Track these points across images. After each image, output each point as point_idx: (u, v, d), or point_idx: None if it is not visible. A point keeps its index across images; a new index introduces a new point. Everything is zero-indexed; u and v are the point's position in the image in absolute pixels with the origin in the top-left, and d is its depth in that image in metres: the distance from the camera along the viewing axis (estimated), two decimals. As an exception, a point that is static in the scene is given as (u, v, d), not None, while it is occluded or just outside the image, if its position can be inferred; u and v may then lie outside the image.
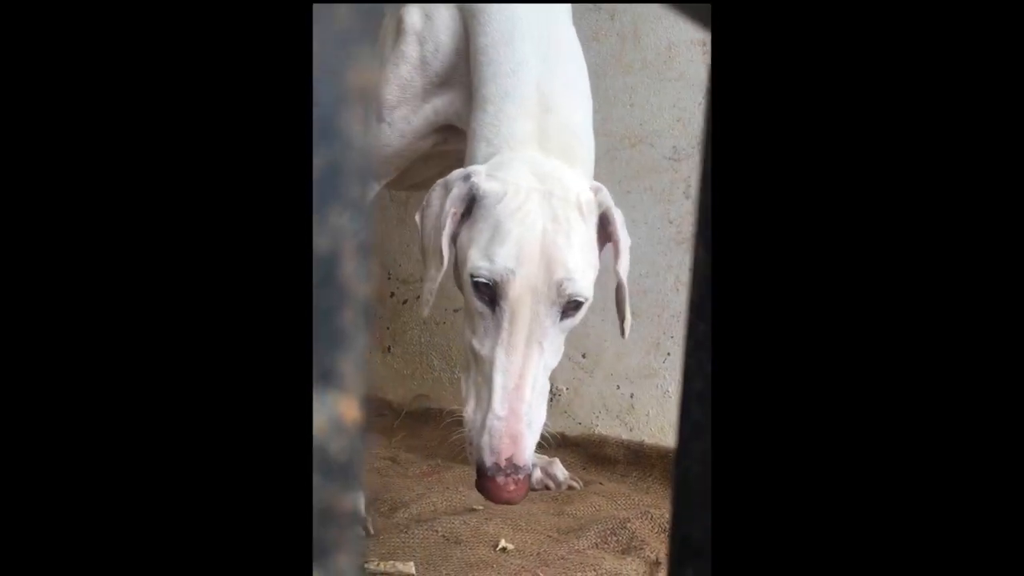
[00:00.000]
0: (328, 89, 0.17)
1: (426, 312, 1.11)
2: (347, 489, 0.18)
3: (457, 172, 1.07)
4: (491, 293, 1.01)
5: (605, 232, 1.10)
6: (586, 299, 1.05)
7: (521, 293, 1.00)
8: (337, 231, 0.17)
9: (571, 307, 1.04)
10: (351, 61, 0.17)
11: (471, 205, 1.06)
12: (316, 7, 0.17)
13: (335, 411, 0.18)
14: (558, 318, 1.03)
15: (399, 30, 1.26)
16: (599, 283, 1.12)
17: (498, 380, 1.00)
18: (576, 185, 1.07)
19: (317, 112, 0.16)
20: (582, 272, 1.02)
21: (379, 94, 1.26)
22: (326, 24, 0.16)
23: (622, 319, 1.15)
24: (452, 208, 1.05)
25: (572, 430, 1.82)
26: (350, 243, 0.17)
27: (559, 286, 1.01)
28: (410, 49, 1.24)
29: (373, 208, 1.37)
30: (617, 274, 1.11)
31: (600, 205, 1.08)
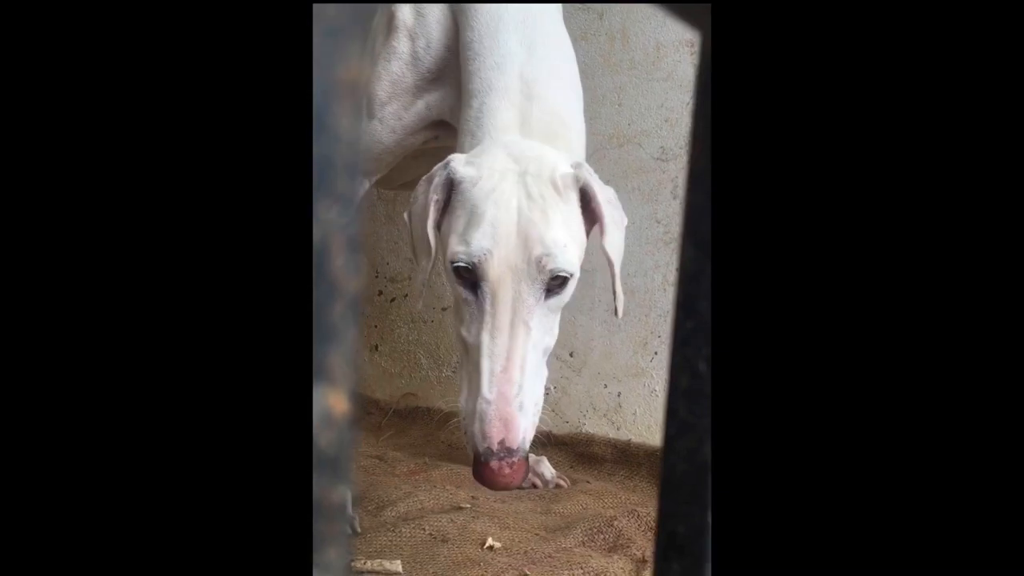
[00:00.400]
0: (317, 83, 0.17)
1: (419, 305, 1.11)
2: (336, 482, 0.18)
3: (438, 164, 1.07)
4: (472, 277, 1.00)
5: (590, 209, 1.07)
6: (570, 274, 1.02)
7: (500, 273, 0.99)
8: (326, 225, 0.17)
9: (556, 283, 1.02)
10: (341, 56, 0.17)
11: (451, 193, 1.05)
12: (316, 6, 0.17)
13: (325, 404, 0.18)
14: (542, 296, 1.01)
15: (390, 26, 1.25)
16: (584, 280, 1.12)
17: (485, 364, 0.98)
18: (553, 162, 1.06)
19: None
20: (561, 247, 1.00)
21: (370, 90, 1.25)
22: (316, 18, 0.16)
23: (615, 296, 1.12)
24: (434, 196, 1.05)
25: (560, 429, 1.83)
26: (339, 237, 0.17)
27: (539, 262, 0.99)
28: (401, 45, 1.24)
29: (362, 203, 1.36)
30: (605, 252, 1.08)
31: (578, 180, 1.05)
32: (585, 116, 1.23)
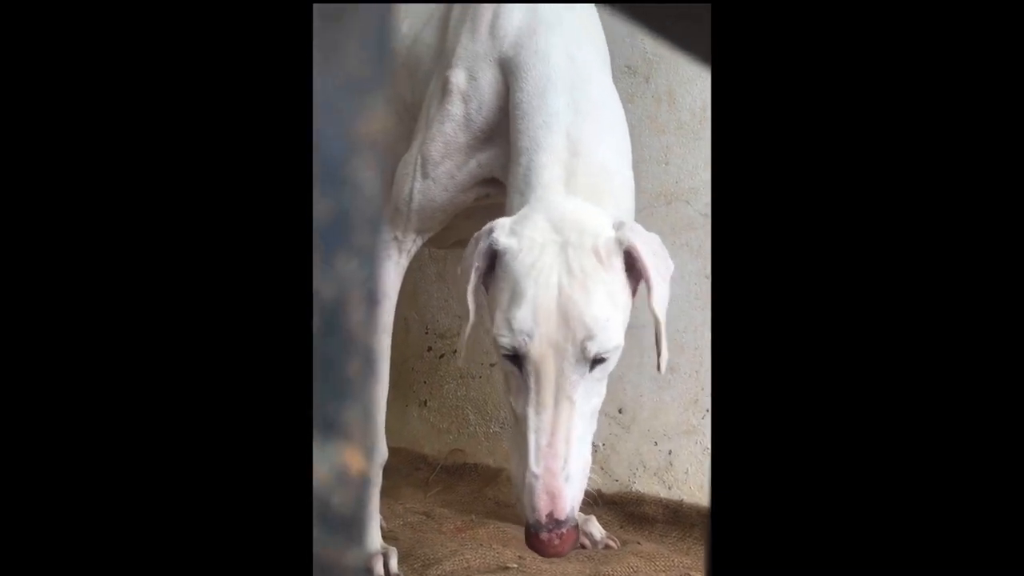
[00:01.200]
0: (337, 136, 0.17)
1: (460, 362, 1.13)
2: (351, 544, 0.17)
3: (486, 227, 1.09)
4: (515, 353, 1.03)
5: (636, 269, 1.07)
6: (613, 348, 1.03)
7: (542, 353, 1.01)
8: (344, 279, 0.17)
9: (599, 359, 1.03)
10: (361, 109, 0.17)
11: (494, 260, 1.07)
12: (316, 53, 0.17)
13: (338, 461, 0.17)
14: (586, 371, 1.02)
15: (444, 90, 1.29)
16: (632, 336, 1.10)
17: (531, 438, 1.01)
18: (596, 227, 1.06)
19: (326, 159, 0.16)
20: (603, 325, 1.01)
21: (424, 151, 1.29)
22: (336, 71, 0.17)
23: (659, 354, 1.12)
24: (476, 262, 1.07)
25: (609, 487, 1.79)
26: (357, 291, 0.17)
27: (582, 346, 1.01)
28: (455, 107, 1.28)
29: (405, 257, 1.38)
30: (652, 311, 1.07)
31: (622, 242, 1.05)
32: (634, 174, 1.23)
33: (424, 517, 1.64)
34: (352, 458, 0.17)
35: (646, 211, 1.74)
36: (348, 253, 0.17)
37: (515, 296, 1.03)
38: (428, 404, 2.12)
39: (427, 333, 2.14)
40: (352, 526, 0.17)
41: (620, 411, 1.83)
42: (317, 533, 0.16)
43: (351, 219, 0.17)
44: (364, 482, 0.17)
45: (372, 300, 0.17)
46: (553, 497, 0.99)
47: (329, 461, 0.17)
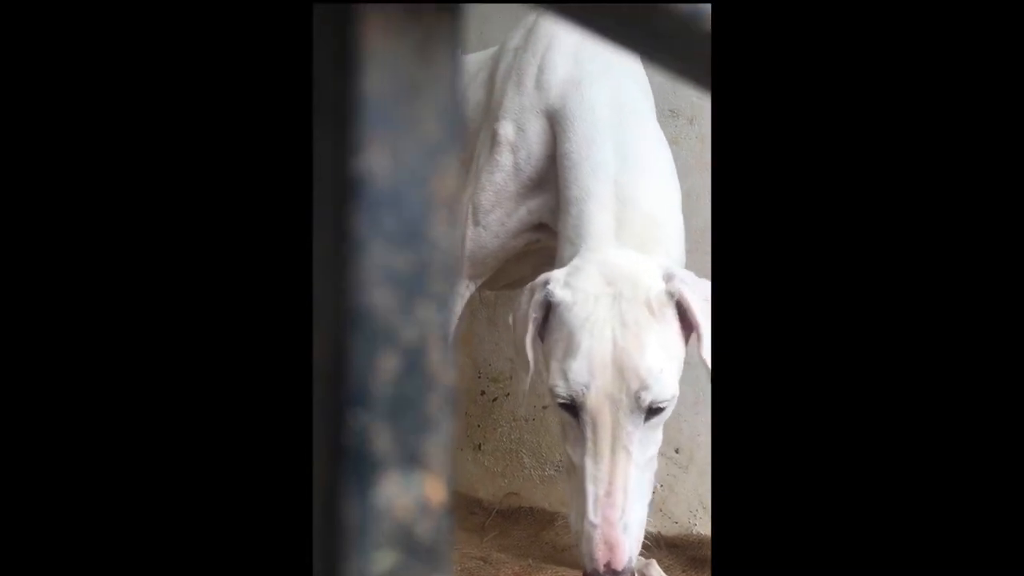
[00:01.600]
0: (416, 195, 0.19)
1: (521, 411, 1.17)
2: (434, 570, 0.19)
3: (540, 278, 1.11)
4: (572, 403, 1.05)
5: (687, 319, 1.09)
6: (669, 398, 1.05)
7: (598, 403, 1.03)
8: (424, 323, 0.19)
9: (655, 409, 1.05)
10: (437, 170, 0.19)
11: (549, 311, 1.10)
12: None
13: (421, 492, 0.19)
14: (641, 421, 1.04)
15: (493, 141, 1.34)
16: (688, 376, 1.11)
17: (589, 489, 1.03)
18: (647, 279, 1.08)
19: (406, 217, 0.18)
20: (657, 375, 1.03)
21: (476, 200, 1.33)
22: (415, 136, 0.19)
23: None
24: (533, 314, 1.10)
25: (669, 530, 1.76)
26: (436, 334, 0.19)
27: (637, 397, 1.02)
28: (504, 158, 1.32)
29: (459, 303, 1.42)
30: (703, 360, 1.09)
31: (672, 294, 1.07)
32: (683, 211, 1.25)
33: (481, 562, 1.64)
34: (433, 489, 0.18)
35: (696, 247, 1.74)
36: (427, 300, 0.19)
37: (570, 348, 1.05)
38: (482, 448, 2.12)
39: (480, 377, 2.16)
40: (434, 553, 0.18)
41: (677, 451, 1.81)
42: (403, 559, 0.18)
43: (429, 270, 0.19)
44: (445, 511, 0.19)
45: (449, 343, 0.19)
46: (611, 547, 1.01)
47: (413, 491, 0.18)
